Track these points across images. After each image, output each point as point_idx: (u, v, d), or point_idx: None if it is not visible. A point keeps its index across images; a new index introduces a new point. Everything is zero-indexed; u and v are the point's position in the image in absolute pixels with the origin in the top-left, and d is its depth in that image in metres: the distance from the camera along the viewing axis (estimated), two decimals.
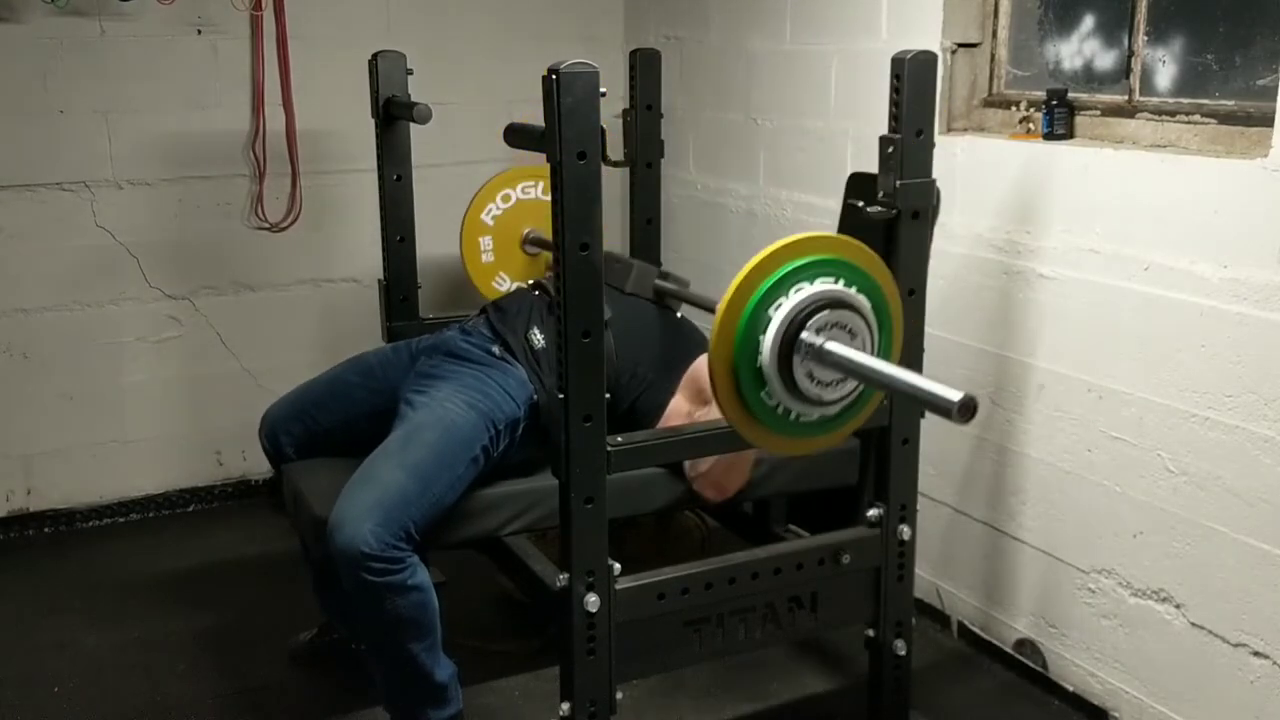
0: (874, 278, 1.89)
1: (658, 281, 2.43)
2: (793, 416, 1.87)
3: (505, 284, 3.28)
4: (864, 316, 1.84)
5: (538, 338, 2.47)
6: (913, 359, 2.24)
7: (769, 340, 1.79)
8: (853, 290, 1.85)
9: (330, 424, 2.55)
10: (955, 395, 1.60)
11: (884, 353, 1.90)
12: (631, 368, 2.44)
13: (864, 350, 1.84)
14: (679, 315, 2.68)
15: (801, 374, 1.81)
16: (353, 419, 2.53)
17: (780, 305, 1.79)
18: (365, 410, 2.52)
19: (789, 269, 1.80)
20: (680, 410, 2.42)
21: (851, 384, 1.86)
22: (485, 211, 3.25)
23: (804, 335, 1.78)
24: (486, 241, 3.25)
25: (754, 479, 2.46)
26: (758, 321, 1.79)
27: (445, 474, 2.22)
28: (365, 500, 2.15)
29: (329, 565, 2.21)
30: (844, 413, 1.92)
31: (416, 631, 2.20)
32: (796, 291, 1.80)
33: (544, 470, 2.29)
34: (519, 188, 3.25)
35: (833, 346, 1.79)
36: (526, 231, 3.27)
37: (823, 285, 1.82)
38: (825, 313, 1.80)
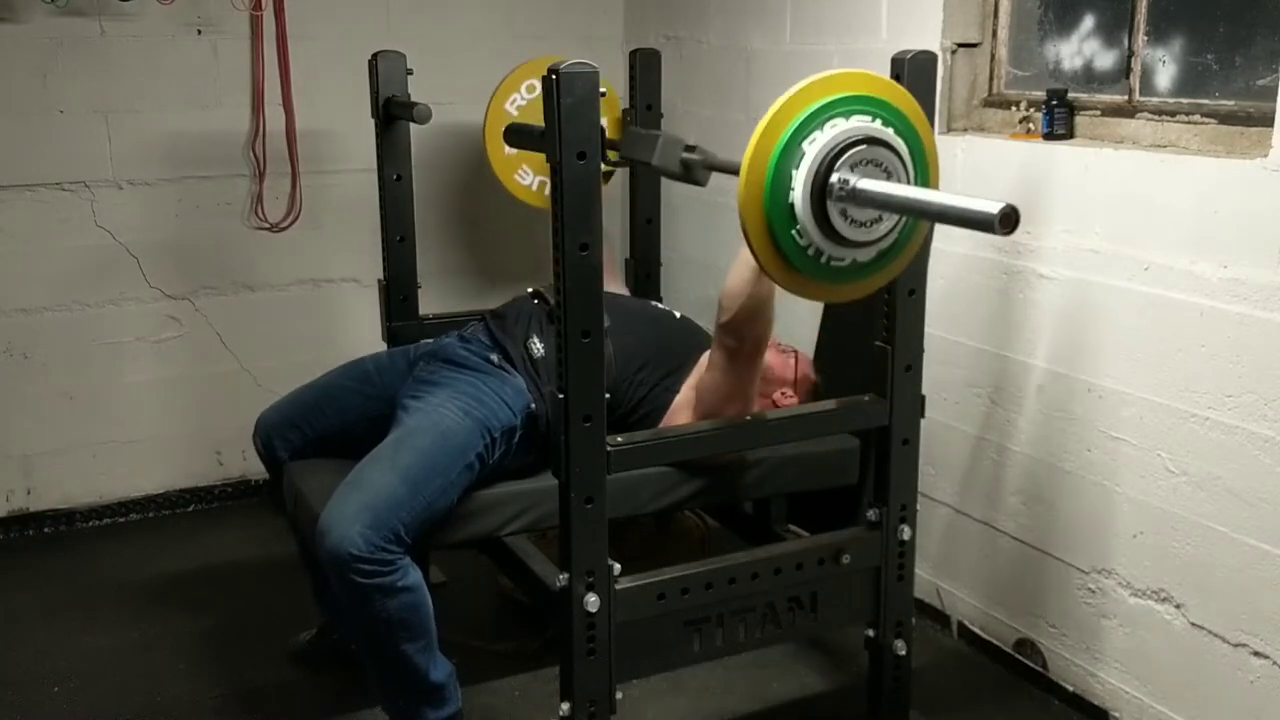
0: (911, 121, 1.82)
1: (684, 154, 2.33)
2: (824, 259, 1.81)
3: (528, 178, 3.17)
4: (900, 157, 1.79)
5: (537, 346, 2.47)
6: (913, 359, 2.24)
7: (801, 175, 1.73)
8: (890, 132, 1.79)
9: (326, 430, 2.55)
10: (994, 208, 1.55)
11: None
12: (632, 375, 2.44)
13: None
14: (679, 315, 2.68)
15: (834, 211, 1.75)
16: (349, 425, 2.53)
17: (814, 140, 1.73)
18: (362, 416, 2.52)
19: (823, 104, 1.73)
20: (687, 400, 2.41)
21: (885, 227, 1.80)
22: (509, 101, 3.11)
23: (837, 171, 1.72)
24: None
25: (752, 481, 2.47)
26: (790, 156, 1.73)
27: (437, 479, 2.22)
28: (355, 503, 2.15)
29: None
30: (875, 261, 1.86)
31: (409, 632, 2.20)
32: (831, 127, 1.74)
33: (544, 471, 2.29)
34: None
35: (866, 181, 1.72)
36: None
37: (859, 122, 1.76)
38: (861, 148, 1.74)
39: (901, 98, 1.85)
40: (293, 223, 3.58)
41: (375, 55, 2.91)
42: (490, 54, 3.70)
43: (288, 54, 3.45)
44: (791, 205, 1.76)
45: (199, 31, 3.40)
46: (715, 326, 2.26)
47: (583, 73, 1.83)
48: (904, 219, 1.85)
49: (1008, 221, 1.55)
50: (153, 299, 3.51)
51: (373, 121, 2.95)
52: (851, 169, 1.74)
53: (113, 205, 3.41)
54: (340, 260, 3.69)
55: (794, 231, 1.77)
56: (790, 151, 1.74)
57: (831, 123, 1.75)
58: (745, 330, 2.22)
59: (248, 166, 3.53)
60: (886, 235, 1.84)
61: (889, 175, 1.78)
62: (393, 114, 2.91)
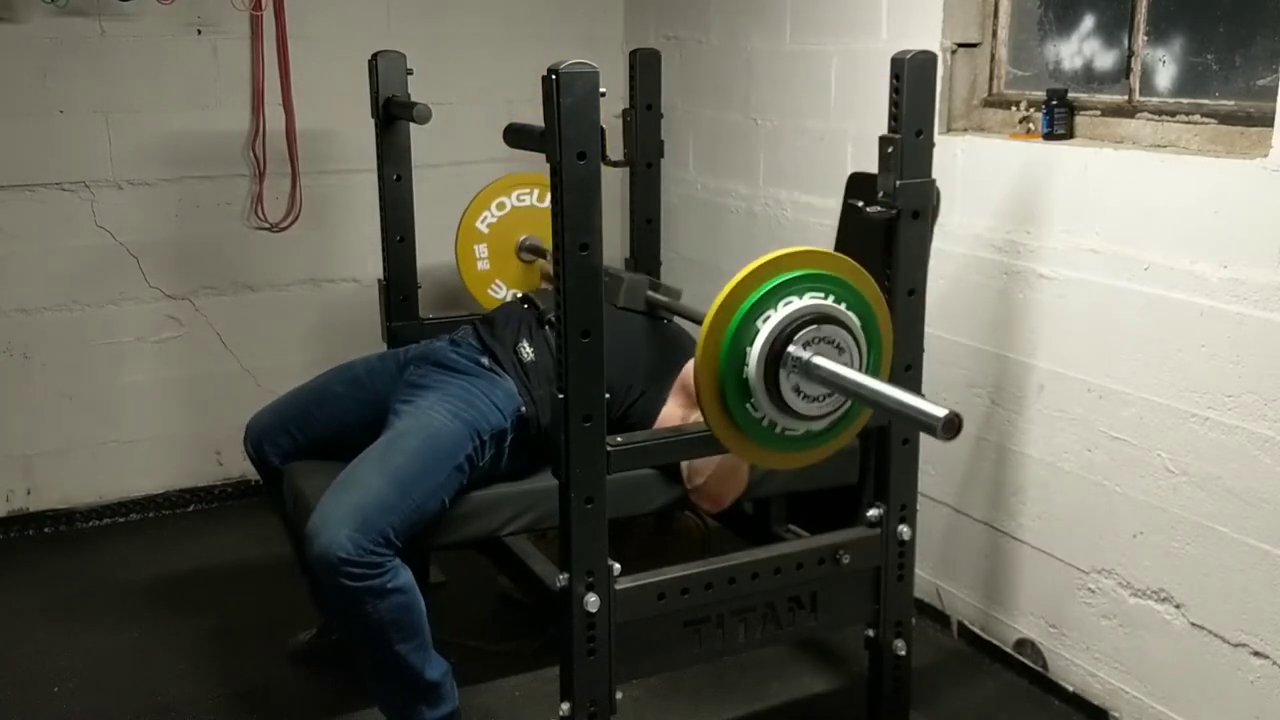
0: (864, 295, 1.89)
1: (650, 294, 2.44)
2: (778, 430, 1.87)
3: (501, 291, 3.29)
4: (852, 333, 1.85)
5: (527, 351, 2.47)
6: (913, 359, 2.24)
7: (755, 352, 1.79)
8: (842, 306, 1.85)
9: (317, 434, 2.55)
10: (940, 412, 1.61)
11: (872, 370, 1.90)
12: (623, 379, 2.44)
13: (851, 366, 1.84)
14: (667, 321, 2.68)
15: (788, 387, 1.81)
16: (341, 429, 2.52)
17: (768, 318, 1.80)
18: (353, 420, 2.51)
19: (777, 282, 1.80)
20: (673, 415, 2.42)
21: (835, 401, 1.86)
22: (480, 219, 3.25)
23: (791, 348, 1.78)
24: (482, 249, 3.26)
25: (752, 481, 2.47)
26: (745, 333, 1.79)
27: (426, 481, 2.22)
28: (343, 506, 2.15)
29: None
30: (829, 430, 1.93)
31: (402, 633, 2.20)
32: (785, 305, 1.81)
33: (539, 473, 2.30)
34: (514, 195, 3.26)
35: (820, 361, 1.79)
36: (522, 239, 3.27)
37: (812, 300, 1.82)
38: (813, 327, 1.80)
39: (853, 272, 1.89)
40: (293, 223, 3.58)
41: (375, 55, 2.91)
42: (490, 54, 3.71)
43: (288, 54, 3.45)
44: (746, 380, 1.81)
45: (199, 31, 3.40)
46: (688, 486, 2.36)
47: (583, 73, 1.82)
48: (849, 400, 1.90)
49: (950, 427, 1.60)
50: (153, 299, 3.51)
51: (373, 121, 2.95)
52: (804, 347, 1.80)
53: (113, 205, 3.41)
54: (340, 260, 3.69)
55: (748, 405, 1.82)
56: (744, 330, 1.80)
57: (785, 301, 1.81)
58: (721, 492, 2.35)
59: (248, 166, 3.53)
60: (837, 410, 1.89)
61: (840, 351, 1.84)
62: (393, 114, 2.91)
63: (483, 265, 3.27)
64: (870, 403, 1.81)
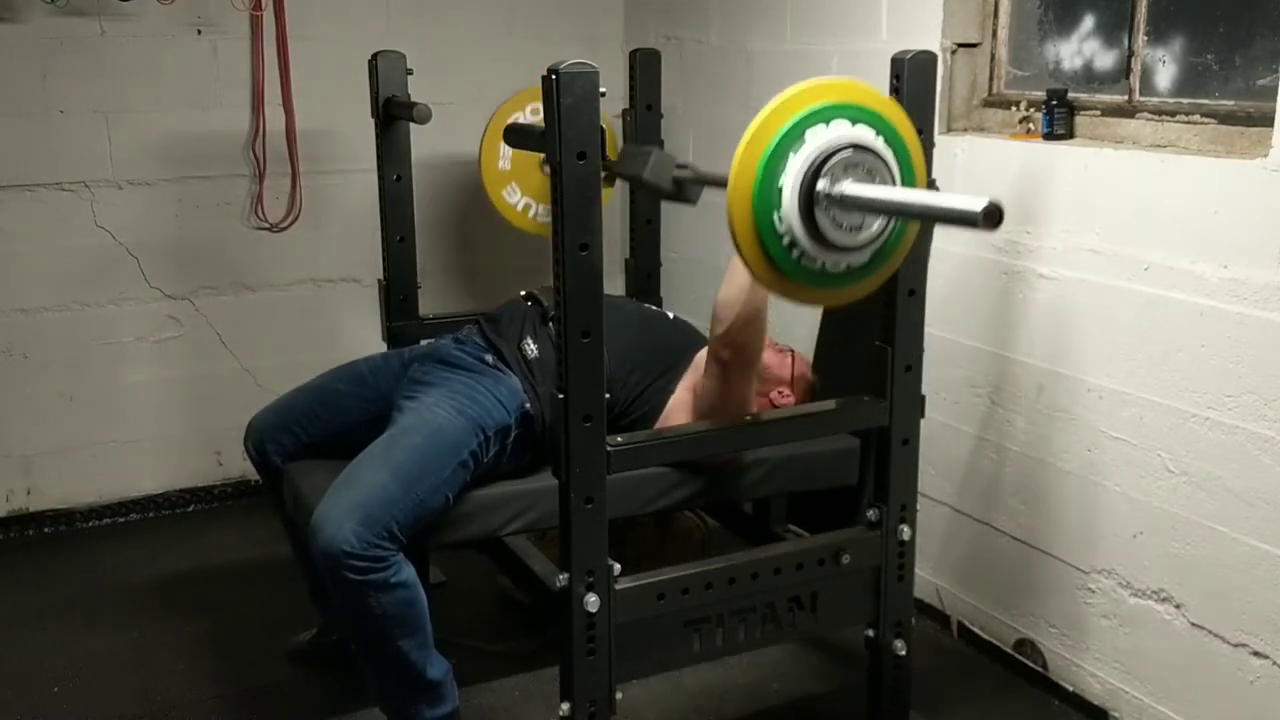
0: (890, 120, 1.85)
1: (676, 171, 2.34)
2: (819, 265, 1.81)
3: (515, 196, 3.21)
4: (881, 157, 1.80)
5: (531, 348, 2.47)
6: (913, 359, 2.24)
7: (789, 183, 1.74)
8: (871, 133, 1.80)
9: (321, 433, 2.54)
10: (978, 203, 1.54)
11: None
12: (625, 376, 2.44)
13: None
14: (672, 316, 2.68)
15: (824, 218, 1.76)
16: (344, 428, 2.52)
17: (799, 149, 1.75)
18: (357, 419, 2.51)
19: (806, 113, 1.76)
20: (684, 401, 2.41)
21: (872, 232, 1.81)
22: (511, 119, 3.16)
23: (824, 177, 1.74)
24: (505, 149, 3.17)
25: (753, 481, 2.47)
26: (777, 167, 1.75)
27: (429, 477, 2.22)
28: (347, 501, 2.16)
29: None
30: (854, 272, 1.87)
31: (404, 629, 2.20)
32: (813, 135, 1.76)
33: (543, 470, 2.29)
34: None
35: (852, 186, 1.75)
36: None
37: (839, 128, 1.78)
38: (845, 154, 1.75)
39: (877, 100, 1.85)
40: (293, 223, 3.59)
41: (375, 55, 2.91)
42: (490, 54, 3.71)
43: (288, 54, 3.45)
44: (780, 213, 1.76)
45: (199, 31, 3.40)
46: (710, 337, 2.27)
47: (583, 73, 1.83)
48: (891, 221, 1.85)
49: (992, 218, 1.53)
50: (153, 299, 3.51)
51: (373, 121, 2.95)
52: (842, 171, 1.75)
53: (113, 205, 3.41)
54: (340, 260, 3.69)
55: (783, 239, 1.77)
56: (776, 162, 1.75)
57: (812, 130, 1.76)
58: (740, 339, 2.23)
59: (248, 166, 3.53)
60: (877, 239, 1.84)
61: (873, 177, 1.79)
62: (393, 114, 2.91)
63: (503, 165, 3.18)
64: (904, 212, 1.76)
